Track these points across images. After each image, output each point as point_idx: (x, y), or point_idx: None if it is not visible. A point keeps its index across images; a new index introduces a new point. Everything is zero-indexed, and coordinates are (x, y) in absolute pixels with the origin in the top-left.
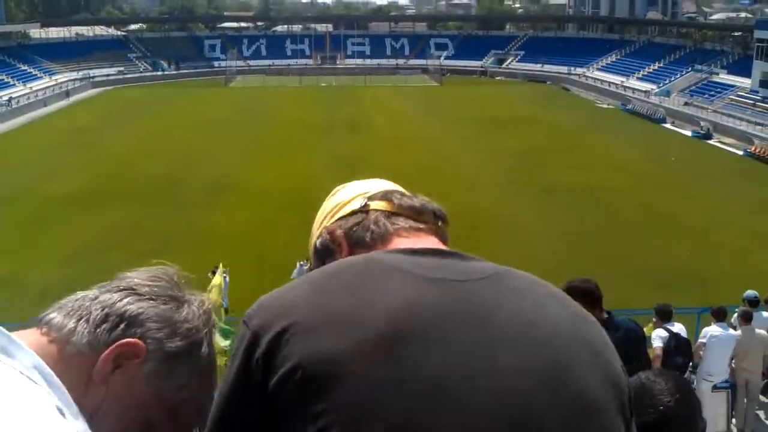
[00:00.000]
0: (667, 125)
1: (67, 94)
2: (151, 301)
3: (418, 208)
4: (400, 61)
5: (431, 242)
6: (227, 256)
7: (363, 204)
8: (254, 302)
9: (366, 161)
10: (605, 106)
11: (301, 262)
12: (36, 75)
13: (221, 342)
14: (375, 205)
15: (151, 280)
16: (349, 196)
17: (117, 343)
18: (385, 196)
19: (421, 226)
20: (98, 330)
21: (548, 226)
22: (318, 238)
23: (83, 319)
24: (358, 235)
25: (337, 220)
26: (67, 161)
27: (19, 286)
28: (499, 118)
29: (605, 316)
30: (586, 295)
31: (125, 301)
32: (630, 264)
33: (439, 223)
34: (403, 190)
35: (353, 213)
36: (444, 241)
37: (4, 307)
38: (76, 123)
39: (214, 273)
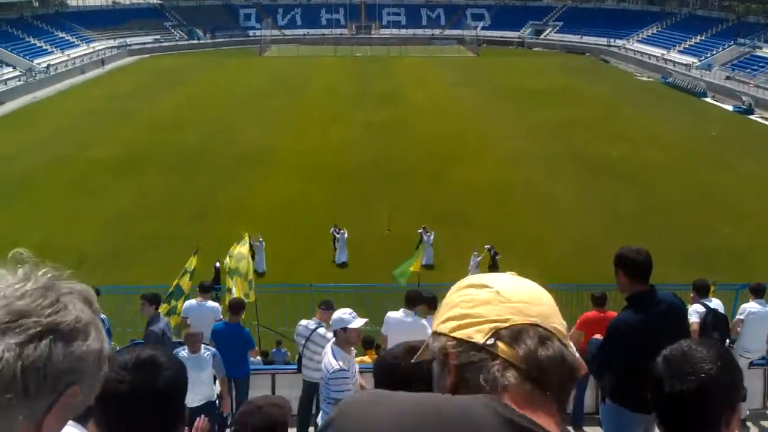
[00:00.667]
0: (708, 99)
1: (103, 62)
2: None
3: (545, 365)
4: (436, 32)
5: (538, 414)
6: (263, 224)
7: (491, 342)
8: (342, 402)
9: (400, 131)
10: (645, 78)
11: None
12: (73, 42)
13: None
14: (502, 349)
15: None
16: (478, 316)
17: None
18: (516, 339)
19: (535, 393)
20: None
21: (585, 200)
22: (436, 341)
23: None
24: (469, 376)
25: (457, 342)
26: (104, 128)
27: (58, 251)
28: (536, 90)
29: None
30: (632, 266)
31: None
32: (668, 239)
33: (566, 386)
34: (546, 310)
35: (475, 347)
36: (561, 401)
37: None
38: (113, 91)
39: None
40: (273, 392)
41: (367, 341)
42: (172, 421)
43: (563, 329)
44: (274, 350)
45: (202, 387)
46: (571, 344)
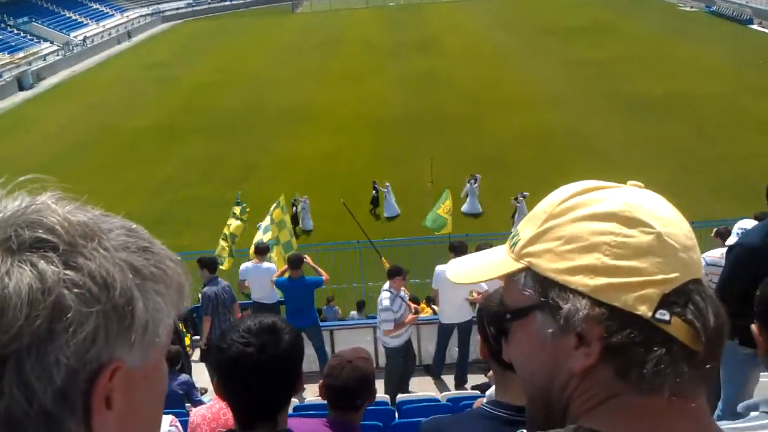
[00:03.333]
0: (755, 26)
1: (129, 35)
2: None
3: (722, 343)
4: None
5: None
6: (305, 181)
7: (665, 318)
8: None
9: (436, 80)
10: (688, 8)
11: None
12: (108, 13)
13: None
14: (676, 327)
15: None
16: (637, 273)
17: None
18: (688, 308)
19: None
20: None
21: (631, 139)
22: (566, 301)
23: None
24: (622, 364)
25: (609, 311)
26: (145, 97)
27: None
28: (574, 27)
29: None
30: None
31: None
32: (720, 173)
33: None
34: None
35: (637, 322)
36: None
37: None
38: (151, 59)
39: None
40: (332, 349)
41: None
42: (293, 382)
43: None
44: (325, 307)
45: None
46: None
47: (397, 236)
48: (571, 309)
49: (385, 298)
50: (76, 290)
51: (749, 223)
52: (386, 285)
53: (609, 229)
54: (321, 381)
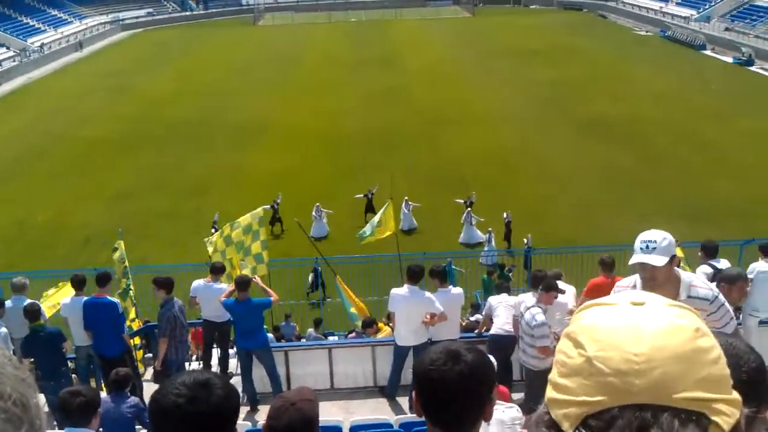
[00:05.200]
0: (708, 52)
1: (80, 45)
2: None
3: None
4: None
5: None
6: (261, 197)
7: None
8: None
9: (398, 97)
10: (643, 33)
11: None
12: (66, 20)
13: None
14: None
15: None
16: (567, 391)
17: None
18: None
19: None
20: None
21: (584, 160)
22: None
23: None
24: None
25: (550, 421)
26: (101, 106)
27: (65, 230)
28: (534, 49)
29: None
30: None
31: None
32: (669, 196)
33: None
34: (669, 373)
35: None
36: None
37: (49, 252)
38: (109, 67)
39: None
40: (287, 369)
41: (367, 323)
42: None
43: (721, 395)
44: (283, 323)
45: None
46: (734, 411)
47: (352, 254)
48: (538, 412)
49: (537, 313)
50: None
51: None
52: (528, 300)
53: (563, 347)
54: (264, 422)
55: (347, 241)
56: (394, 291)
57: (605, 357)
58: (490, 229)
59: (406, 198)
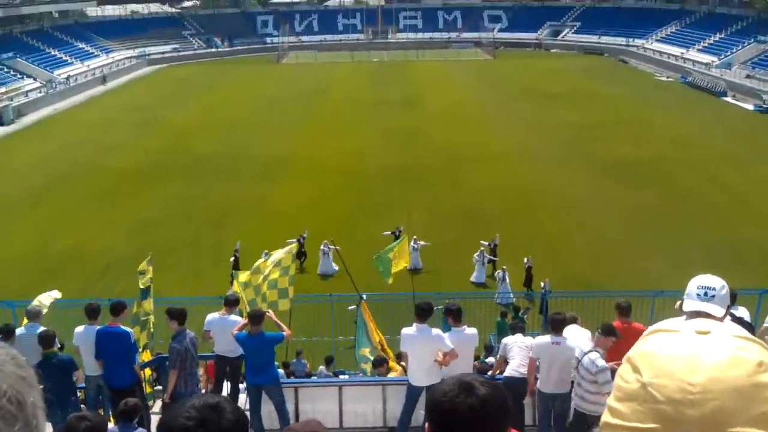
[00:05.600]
0: (728, 99)
1: (104, 79)
2: None
3: None
4: (453, 35)
5: None
6: (284, 232)
7: None
8: None
9: (418, 137)
10: (664, 78)
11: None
12: (93, 53)
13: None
14: None
15: None
16: (620, 416)
17: None
18: None
19: None
20: None
21: (607, 201)
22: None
23: None
24: None
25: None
26: (126, 138)
27: (85, 258)
28: (555, 93)
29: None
30: None
31: None
32: (689, 240)
33: None
34: (724, 405)
35: None
36: None
37: (71, 279)
38: (134, 101)
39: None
40: (296, 406)
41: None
42: None
43: None
44: (294, 360)
45: None
46: None
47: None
48: None
49: (596, 358)
50: None
51: None
52: (584, 344)
53: (622, 372)
54: None
55: (358, 278)
56: (404, 331)
57: (660, 384)
58: (504, 267)
59: (414, 237)
